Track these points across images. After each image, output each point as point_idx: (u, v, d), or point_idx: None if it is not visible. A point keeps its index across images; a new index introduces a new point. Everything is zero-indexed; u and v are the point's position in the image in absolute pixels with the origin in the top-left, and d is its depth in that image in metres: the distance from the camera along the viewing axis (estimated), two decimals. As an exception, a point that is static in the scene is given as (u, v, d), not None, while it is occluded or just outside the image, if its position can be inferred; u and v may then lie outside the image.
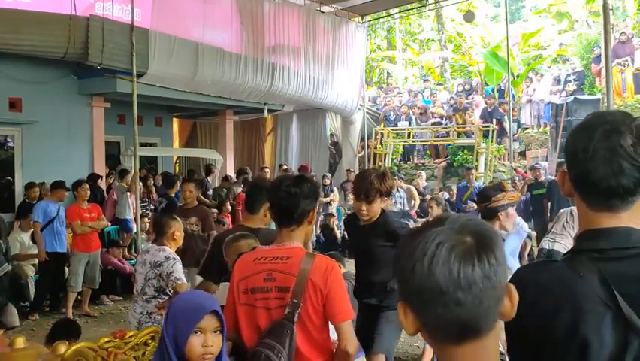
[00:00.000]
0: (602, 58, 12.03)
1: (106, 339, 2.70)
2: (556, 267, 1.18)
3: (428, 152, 15.80)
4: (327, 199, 11.86)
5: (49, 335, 3.94)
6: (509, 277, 1.26)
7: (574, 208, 5.41)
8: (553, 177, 9.74)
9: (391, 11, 16.60)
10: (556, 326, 1.10)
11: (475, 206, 4.88)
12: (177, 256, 4.19)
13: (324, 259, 2.28)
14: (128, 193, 9.09)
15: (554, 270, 1.17)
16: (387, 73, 24.03)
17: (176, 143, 14.68)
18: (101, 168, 10.07)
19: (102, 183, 9.92)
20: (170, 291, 4.11)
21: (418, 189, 11.53)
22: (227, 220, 10.42)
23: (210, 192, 11.29)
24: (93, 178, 9.45)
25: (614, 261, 1.11)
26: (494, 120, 14.31)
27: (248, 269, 2.31)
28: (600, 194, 1.16)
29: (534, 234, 8.72)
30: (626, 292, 1.07)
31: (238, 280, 2.34)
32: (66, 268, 7.58)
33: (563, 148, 1.28)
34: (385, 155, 15.21)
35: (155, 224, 5.04)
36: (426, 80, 20.23)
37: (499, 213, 3.34)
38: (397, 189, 10.25)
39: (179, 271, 4.09)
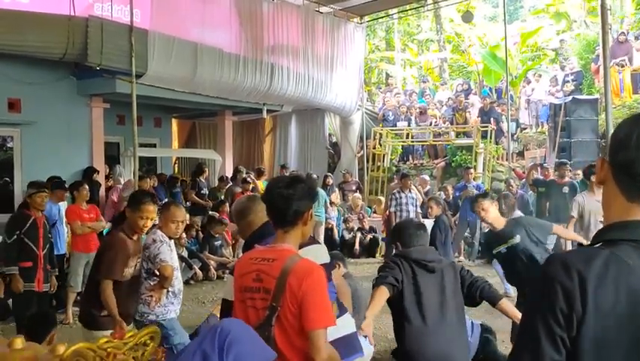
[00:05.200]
0: (600, 58, 12.05)
1: (105, 339, 2.71)
2: (607, 255, 1.15)
3: (427, 152, 15.81)
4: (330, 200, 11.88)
5: (28, 330, 3.95)
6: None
7: None
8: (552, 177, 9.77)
9: (390, 12, 16.62)
10: (616, 316, 1.10)
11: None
12: (166, 239, 4.22)
13: (306, 263, 2.24)
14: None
15: (607, 258, 1.14)
16: (387, 74, 24.04)
17: (175, 143, 14.68)
18: (100, 168, 10.08)
19: (99, 178, 9.94)
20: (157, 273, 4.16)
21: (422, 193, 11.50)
22: (228, 221, 10.46)
23: (204, 191, 11.32)
24: (90, 172, 9.50)
25: None
26: (492, 120, 14.33)
27: (243, 267, 2.36)
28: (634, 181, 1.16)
29: None
30: None
31: (236, 277, 2.39)
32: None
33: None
34: (384, 155, 15.22)
35: None
36: (425, 81, 20.25)
37: None
38: (409, 191, 10.27)
39: (164, 253, 4.12)
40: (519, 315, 3.50)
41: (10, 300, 6.99)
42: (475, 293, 3.47)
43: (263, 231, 2.76)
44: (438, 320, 3.31)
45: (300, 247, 2.72)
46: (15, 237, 5.85)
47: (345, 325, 2.68)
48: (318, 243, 2.96)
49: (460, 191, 11.18)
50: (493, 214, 4.63)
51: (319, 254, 2.78)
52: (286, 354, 2.19)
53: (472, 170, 11.83)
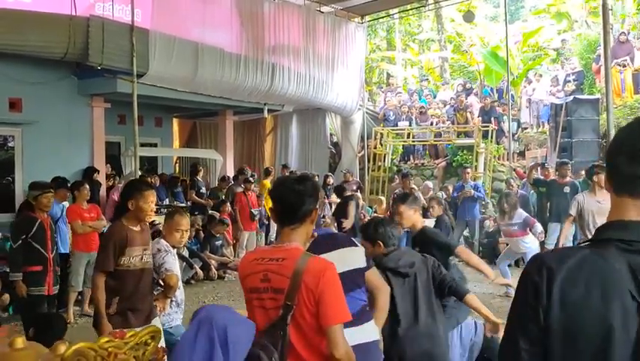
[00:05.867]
0: (601, 58, 12.04)
1: (106, 339, 2.70)
2: (585, 254, 1.18)
3: (427, 152, 15.80)
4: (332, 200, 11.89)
5: (35, 330, 3.94)
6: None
7: None
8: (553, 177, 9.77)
9: (391, 11, 16.62)
10: (585, 312, 1.12)
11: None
12: (170, 249, 4.20)
13: (318, 260, 2.28)
14: None
15: (581, 256, 1.17)
16: (388, 73, 24.04)
17: (176, 143, 14.69)
18: (101, 168, 10.08)
19: (99, 177, 9.93)
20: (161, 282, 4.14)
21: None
22: (229, 220, 10.46)
23: (203, 190, 11.33)
24: (91, 172, 9.49)
25: None
26: (492, 120, 14.32)
27: (248, 268, 2.36)
28: (619, 179, 1.21)
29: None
30: None
31: (241, 279, 2.40)
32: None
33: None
34: (385, 155, 15.22)
35: None
36: (422, 80, 20.24)
37: None
38: (410, 191, 10.32)
39: (169, 262, 4.09)
40: (484, 310, 3.63)
41: (7, 298, 7.01)
42: (443, 290, 3.56)
43: None
44: (411, 326, 3.36)
45: (336, 247, 2.70)
46: (20, 241, 5.73)
47: (368, 331, 2.70)
48: (356, 245, 2.89)
49: (458, 191, 11.21)
50: (409, 219, 4.40)
51: (356, 257, 2.75)
52: (302, 353, 2.21)
53: (469, 170, 11.87)
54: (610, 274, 1.12)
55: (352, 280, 2.67)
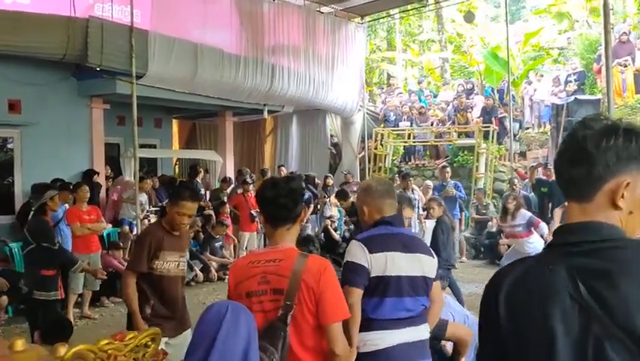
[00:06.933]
0: (603, 58, 12.02)
1: (105, 341, 2.68)
2: (528, 262, 1.24)
3: (428, 152, 15.77)
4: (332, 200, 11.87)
5: (43, 333, 3.92)
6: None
7: None
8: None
9: (391, 12, 16.60)
10: (527, 317, 1.15)
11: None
12: None
13: (317, 259, 2.32)
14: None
15: (526, 265, 1.23)
16: (388, 74, 24.02)
17: (175, 144, 14.66)
18: (100, 170, 10.04)
19: (99, 179, 9.87)
20: None
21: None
22: (228, 222, 10.43)
23: (202, 192, 11.28)
24: (90, 174, 9.44)
25: (581, 255, 1.14)
26: (493, 120, 14.30)
27: (242, 274, 2.34)
28: (563, 184, 1.25)
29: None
30: (590, 286, 1.10)
31: (234, 285, 2.37)
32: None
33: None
34: (385, 156, 15.19)
35: None
36: (420, 82, 20.22)
37: None
38: (412, 191, 10.31)
39: None
40: None
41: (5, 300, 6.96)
42: None
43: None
44: None
45: (415, 250, 2.77)
46: (57, 245, 5.65)
47: (423, 331, 2.80)
48: (434, 257, 2.92)
49: (439, 191, 11.20)
50: None
51: (432, 267, 2.85)
52: (298, 353, 2.21)
53: (448, 169, 11.98)
54: (548, 279, 1.15)
55: (424, 287, 2.75)
